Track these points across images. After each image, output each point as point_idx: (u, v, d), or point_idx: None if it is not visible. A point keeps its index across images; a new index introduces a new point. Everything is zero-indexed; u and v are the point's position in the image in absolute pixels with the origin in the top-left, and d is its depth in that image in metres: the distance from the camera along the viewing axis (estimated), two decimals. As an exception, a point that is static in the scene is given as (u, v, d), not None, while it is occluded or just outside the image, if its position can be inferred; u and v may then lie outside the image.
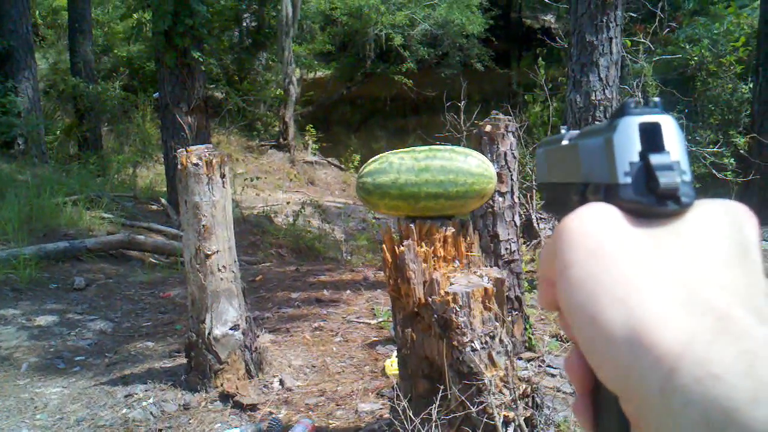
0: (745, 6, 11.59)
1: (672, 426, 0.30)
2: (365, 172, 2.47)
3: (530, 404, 2.59)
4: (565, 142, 0.49)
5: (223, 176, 3.82)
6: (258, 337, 4.25)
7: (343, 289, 6.37)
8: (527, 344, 4.08)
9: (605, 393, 0.37)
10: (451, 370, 2.37)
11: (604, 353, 0.34)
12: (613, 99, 6.44)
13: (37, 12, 17.21)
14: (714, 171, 7.72)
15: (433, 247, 2.44)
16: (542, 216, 6.02)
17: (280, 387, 3.94)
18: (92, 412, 3.67)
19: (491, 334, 2.39)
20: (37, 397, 3.90)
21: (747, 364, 0.29)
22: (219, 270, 3.82)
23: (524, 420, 2.46)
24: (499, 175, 3.70)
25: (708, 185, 8.80)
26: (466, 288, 2.35)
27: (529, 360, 3.95)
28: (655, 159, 0.38)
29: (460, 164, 2.38)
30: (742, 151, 8.91)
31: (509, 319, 3.79)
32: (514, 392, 2.44)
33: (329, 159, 16.75)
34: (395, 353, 3.43)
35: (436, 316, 2.35)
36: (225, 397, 3.74)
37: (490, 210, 3.88)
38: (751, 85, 9.91)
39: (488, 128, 3.90)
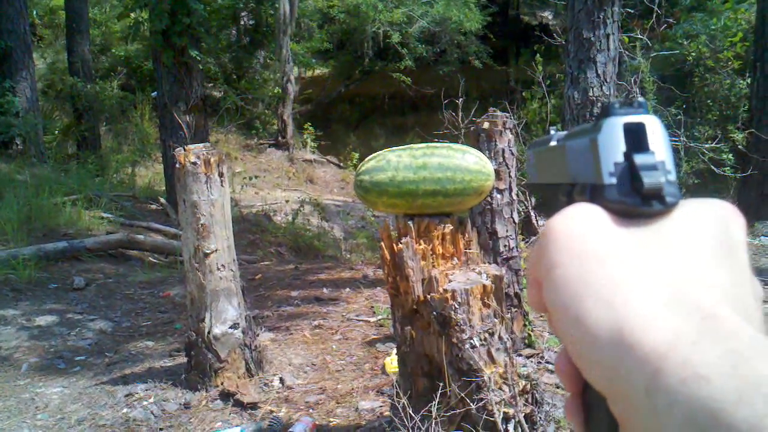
0: (742, 1, 11.59)
1: (658, 427, 0.31)
2: (363, 170, 2.47)
3: (530, 401, 2.60)
4: (553, 144, 0.50)
5: (221, 175, 3.82)
6: (258, 335, 4.26)
7: (342, 287, 6.38)
8: (527, 341, 4.08)
9: (594, 394, 0.37)
10: (451, 367, 2.38)
11: (590, 354, 0.34)
12: (611, 95, 6.44)
13: (35, 12, 17.19)
14: (712, 166, 7.73)
15: (431, 245, 2.44)
16: (541, 212, 6.03)
17: (281, 385, 3.95)
18: (93, 412, 3.67)
19: (490, 331, 2.39)
20: (38, 397, 3.90)
21: (732, 365, 0.29)
22: (218, 269, 3.83)
23: (524, 416, 2.47)
24: (497, 172, 3.71)
25: (706, 181, 8.82)
26: (464, 285, 2.35)
27: (528, 356, 3.96)
28: (639, 159, 0.38)
29: (458, 161, 2.39)
30: (740, 147, 8.92)
31: (508, 315, 3.79)
32: (514, 389, 2.44)
33: (328, 157, 16.75)
34: (395, 351, 3.44)
35: (435, 313, 2.35)
36: (225, 396, 3.75)
37: (488, 207, 3.89)
38: (748, 81, 9.91)
39: (486, 125, 3.90)
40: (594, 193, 0.40)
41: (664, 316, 0.32)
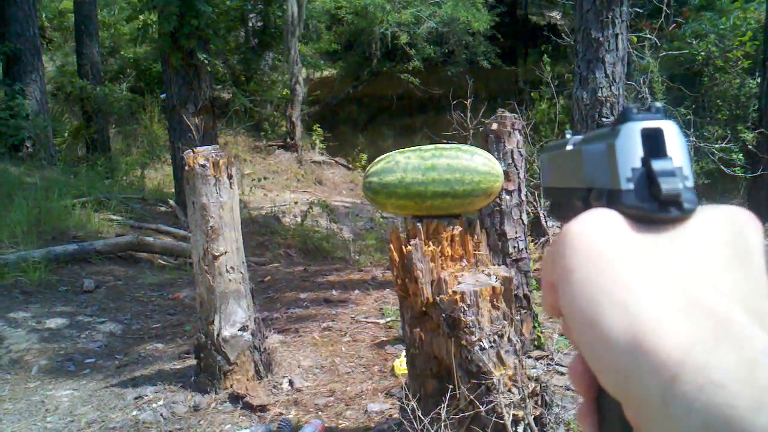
0: (751, 0, 11.53)
1: None
2: (372, 172, 2.47)
3: (539, 403, 2.59)
4: (568, 148, 0.49)
5: (230, 177, 3.83)
6: (267, 337, 4.26)
7: (351, 289, 6.38)
8: (536, 342, 4.07)
9: (608, 399, 0.36)
10: (460, 369, 2.37)
11: (605, 359, 0.34)
12: (620, 96, 6.42)
13: (44, 15, 17.25)
14: (722, 167, 7.70)
15: (440, 246, 2.44)
16: (553, 216, 5.99)
17: (290, 387, 3.95)
18: (102, 414, 3.68)
19: (499, 332, 2.39)
20: (48, 400, 3.91)
21: (748, 371, 0.29)
22: (227, 271, 3.83)
23: (533, 419, 2.46)
24: (506, 173, 3.70)
25: (716, 181, 8.78)
26: (474, 287, 2.34)
27: (538, 358, 3.95)
28: (657, 165, 0.38)
29: (467, 163, 2.38)
30: (750, 146, 8.88)
31: (518, 317, 3.78)
32: (523, 391, 2.43)
33: (336, 158, 16.74)
34: (404, 353, 3.43)
35: (444, 315, 2.35)
36: (234, 398, 3.75)
37: (497, 208, 3.88)
38: (758, 80, 9.87)
39: (495, 126, 3.89)
40: (611, 199, 0.40)
41: (680, 322, 0.32)
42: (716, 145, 7.79)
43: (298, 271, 7.52)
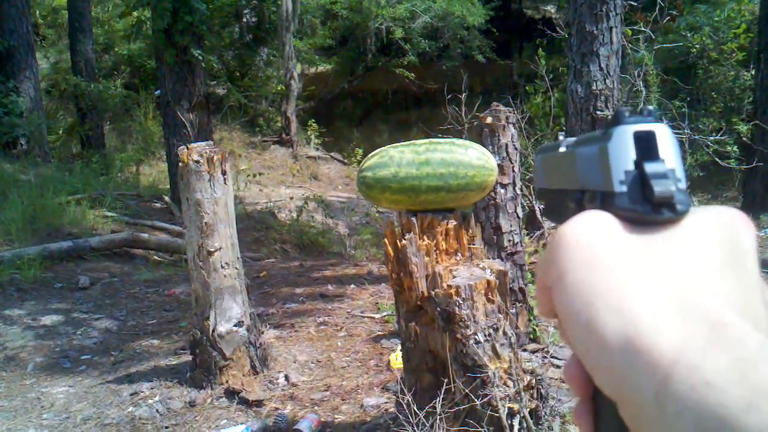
0: (745, -8, 11.54)
1: None
2: (366, 167, 2.47)
3: (535, 396, 2.59)
4: (562, 150, 0.50)
5: (224, 173, 3.82)
6: (262, 333, 4.26)
7: (347, 284, 6.38)
8: (531, 336, 4.08)
9: (604, 399, 0.37)
10: (455, 363, 2.37)
11: (600, 360, 0.34)
12: (614, 89, 6.42)
13: (38, 11, 17.19)
14: (717, 159, 7.70)
15: (435, 241, 2.44)
16: (547, 217, 5.98)
17: (286, 382, 3.95)
18: (98, 411, 3.68)
19: (495, 326, 2.39)
20: (44, 397, 3.91)
21: (740, 372, 0.29)
22: (222, 267, 3.83)
23: (529, 412, 2.46)
24: (500, 166, 3.70)
25: (711, 173, 8.79)
26: (469, 281, 2.34)
27: (533, 351, 3.95)
28: (649, 167, 0.38)
29: (461, 157, 2.38)
30: (745, 139, 8.89)
31: (513, 311, 3.78)
32: (519, 384, 2.44)
33: (332, 153, 16.74)
34: (399, 347, 3.43)
35: (439, 309, 2.35)
36: (230, 394, 3.75)
37: (492, 202, 3.88)
38: (753, 72, 9.88)
39: (489, 120, 3.89)
40: (604, 201, 0.41)
41: (673, 323, 0.32)
42: (711, 138, 7.79)
43: (294, 267, 7.52)
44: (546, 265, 0.41)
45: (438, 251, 2.44)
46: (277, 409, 3.58)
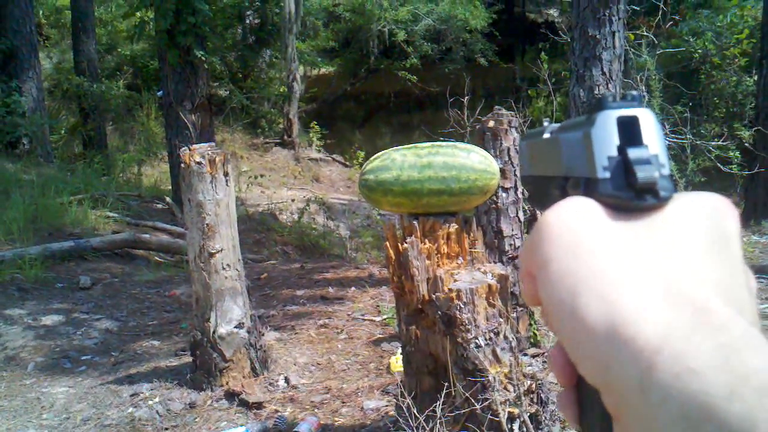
0: (748, -2, 11.54)
1: (651, 420, 0.31)
2: (368, 170, 2.47)
3: (535, 400, 2.59)
4: (546, 136, 0.49)
5: (226, 174, 3.82)
6: (263, 335, 4.26)
7: (348, 287, 6.37)
8: (532, 340, 4.07)
9: (588, 387, 0.37)
10: (456, 366, 2.37)
11: (584, 348, 0.34)
12: (617, 93, 6.41)
13: (41, 11, 17.21)
14: (719, 164, 7.70)
15: (436, 244, 2.44)
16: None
17: (286, 385, 3.95)
18: (98, 412, 3.68)
19: (495, 330, 2.39)
20: (44, 397, 3.91)
21: (723, 358, 0.30)
22: (223, 268, 3.83)
23: (529, 416, 2.46)
24: (502, 170, 3.70)
25: (713, 178, 8.78)
26: (470, 284, 2.34)
27: (533, 356, 3.94)
28: (633, 153, 0.38)
29: (463, 160, 2.38)
30: (747, 144, 8.89)
31: (513, 315, 3.78)
32: (519, 388, 2.43)
33: (334, 156, 16.73)
34: (400, 350, 3.43)
35: (440, 312, 2.34)
36: (230, 396, 3.75)
37: (493, 206, 3.87)
38: (755, 78, 9.87)
39: (491, 124, 3.89)
40: (588, 187, 0.40)
41: (658, 310, 0.32)
42: (713, 143, 7.79)
43: (295, 269, 7.52)
44: (529, 253, 0.41)
45: (439, 255, 2.44)
46: (277, 411, 3.58)
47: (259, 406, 3.64)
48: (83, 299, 5.94)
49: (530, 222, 5.73)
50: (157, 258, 7.89)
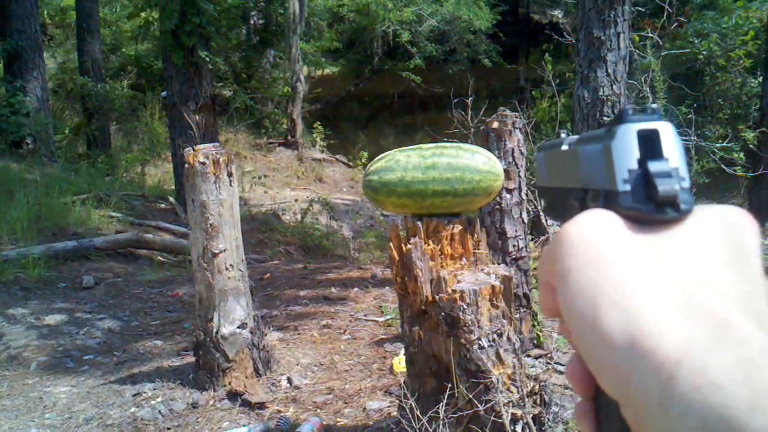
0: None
1: None
2: (372, 170, 2.46)
3: (538, 402, 2.58)
4: (564, 148, 0.50)
5: (230, 175, 3.82)
6: (266, 335, 4.26)
7: (350, 287, 6.37)
8: (535, 341, 4.06)
9: (606, 399, 0.36)
10: (459, 368, 2.36)
11: (604, 360, 0.34)
12: (621, 94, 6.40)
13: (45, 12, 17.25)
14: (723, 166, 7.68)
15: (440, 245, 2.43)
16: (548, 215, 5.96)
17: (288, 385, 3.94)
18: (101, 411, 3.68)
19: (499, 331, 2.38)
20: (46, 396, 3.91)
21: (745, 372, 0.29)
22: (226, 269, 3.82)
23: (532, 418, 2.45)
24: (506, 171, 3.69)
25: (717, 180, 8.76)
26: (473, 286, 2.34)
27: (537, 357, 3.94)
28: (653, 166, 0.38)
29: (467, 161, 2.37)
30: (751, 146, 8.86)
31: (517, 316, 3.77)
32: (522, 390, 2.43)
33: (337, 156, 16.73)
34: (403, 351, 3.43)
35: (443, 313, 2.34)
36: (233, 396, 3.75)
37: (497, 207, 3.87)
38: (760, 79, 9.85)
39: (495, 125, 3.88)
40: (608, 200, 0.41)
41: (678, 323, 0.32)
42: (717, 144, 7.77)
43: (298, 269, 7.52)
44: (549, 264, 0.41)
45: (443, 256, 2.44)
46: (279, 411, 3.57)
47: (261, 406, 3.63)
48: (86, 299, 5.95)
49: (534, 223, 5.73)
50: (160, 258, 7.89)
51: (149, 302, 6.02)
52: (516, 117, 3.95)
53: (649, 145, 0.39)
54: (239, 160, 13.76)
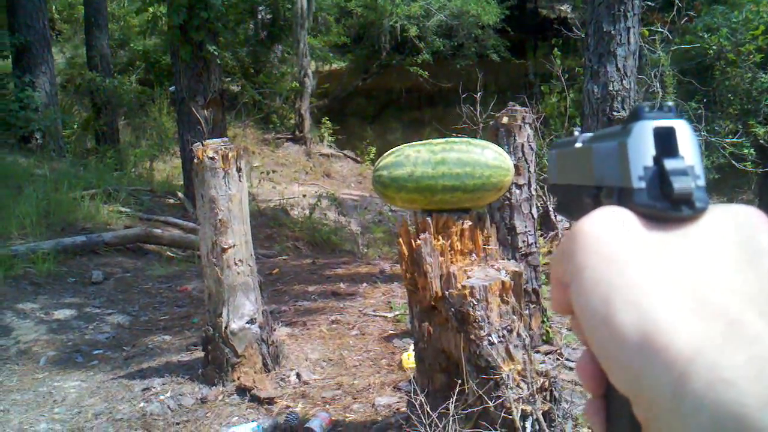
0: (764, -7, 11.44)
1: (682, 430, 0.31)
2: (381, 165, 2.45)
3: (548, 398, 2.57)
4: (578, 145, 0.50)
5: (239, 170, 3.82)
6: (275, 330, 4.26)
7: (359, 282, 6.37)
8: (545, 337, 4.06)
9: (617, 396, 0.37)
10: (469, 364, 2.36)
11: (617, 357, 0.34)
12: (631, 89, 6.38)
13: (54, 7, 17.29)
14: (733, 161, 7.65)
15: (449, 241, 2.42)
16: (560, 213, 5.95)
17: (297, 380, 3.95)
18: (110, 406, 3.69)
19: (509, 327, 2.37)
20: (56, 391, 3.92)
21: (758, 369, 0.29)
22: (235, 264, 3.82)
23: (542, 414, 2.44)
24: (516, 167, 3.67)
25: (727, 175, 8.73)
26: (483, 281, 2.33)
27: (546, 353, 3.93)
28: (669, 164, 0.38)
29: (477, 157, 2.36)
30: (761, 141, 8.82)
31: (527, 312, 3.76)
32: (532, 386, 2.42)
33: (345, 151, 16.73)
34: (412, 347, 3.42)
35: (453, 309, 2.33)
36: (242, 391, 3.75)
37: (507, 202, 3.86)
38: (771, 74, 9.80)
39: (505, 120, 3.87)
40: (622, 197, 0.41)
41: (691, 321, 0.32)
42: (727, 140, 7.74)
43: (306, 264, 7.52)
44: (562, 261, 0.41)
45: (453, 251, 2.43)
46: (288, 407, 3.57)
47: (270, 401, 3.63)
48: (95, 294, 5.96)
49: (543, 219, 5.72)
50: (168, 253, 7.91)
51: (158, 297, 6.03)
52: (525, 112, 3.94)
53: (665, 142, 0.39)
54: (247, 155, 13.75)
